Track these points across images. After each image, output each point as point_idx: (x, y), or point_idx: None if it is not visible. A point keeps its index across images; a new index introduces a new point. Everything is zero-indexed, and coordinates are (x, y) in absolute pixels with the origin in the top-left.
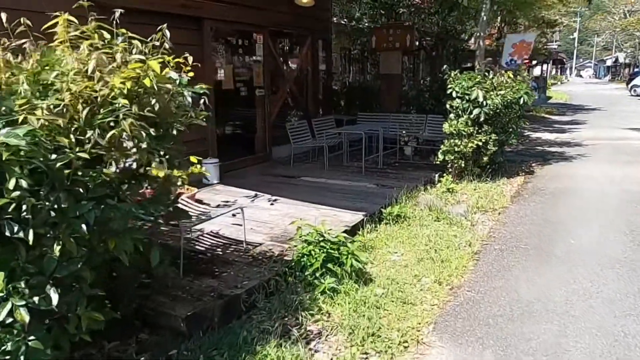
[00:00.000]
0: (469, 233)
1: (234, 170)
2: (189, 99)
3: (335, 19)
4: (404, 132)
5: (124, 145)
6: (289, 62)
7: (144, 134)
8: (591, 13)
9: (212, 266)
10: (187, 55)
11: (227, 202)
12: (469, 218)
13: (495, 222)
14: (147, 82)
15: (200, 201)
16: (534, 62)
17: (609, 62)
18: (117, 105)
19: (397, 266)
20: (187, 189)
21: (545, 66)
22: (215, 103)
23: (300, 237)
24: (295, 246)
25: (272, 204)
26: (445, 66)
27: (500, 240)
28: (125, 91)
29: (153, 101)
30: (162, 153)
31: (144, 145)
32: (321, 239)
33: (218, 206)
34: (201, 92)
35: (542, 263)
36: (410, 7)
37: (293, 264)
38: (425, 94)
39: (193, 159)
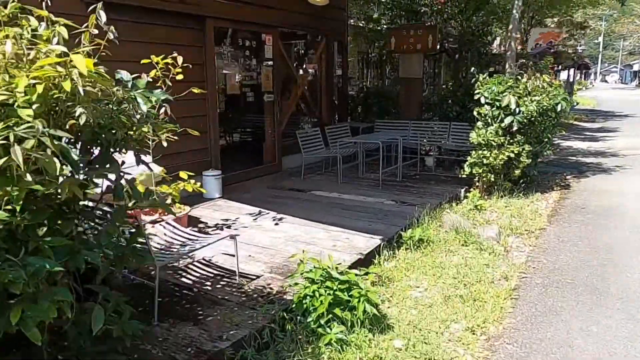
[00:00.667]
0: (503, 262)
1: (239, 183)
2: (144, 108)
3: (352, 20)
4: (425, 141)
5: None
6: (302, 66)
7: (56, 162)
8: (617, 16)
9: (197, 307)
10: (176, 54)
11: (227, 220)
12: (501, 242)
13: (533, 247)
14: (66, 85)
15: (198, 220)
16: (560, 66)
17: (636, 67)
18: (14, 119)
19: (419, 305)
20: (179, 207)
21: (571, 71)
22: (219, 109)
23: (302, 273)
24: (297, 284)
25: (276, 224)
26: (473, 69)
27: (541, 272)
28: (35, 97)
29: (78, 111)
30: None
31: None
32: (327, 276)
33: (216, 226)
34: (162, 97)
35: (595, 305)
36: (432, 6)
37: (293, 306)
38: (449, 100)
39: (183, 174)
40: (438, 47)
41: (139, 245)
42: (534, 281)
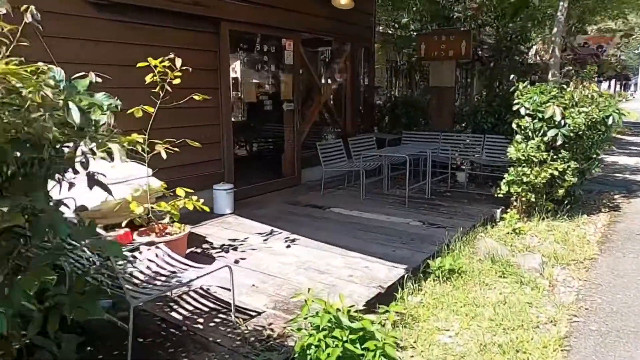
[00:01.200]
0: (549, 300)
1: (254, 197)
2: (76, 116)
3: (381, 27)
4: (456, 154)
5: None
6: (325, 73)
7: None
8: None
9: (182, 352)
10: (173, 56)
11: (235, 241)
12: (545, 275)
13: (583, 282)
14: None
15: (203, 239)
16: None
17: None
18: None
19: (449, 356)
20: (178, 227)
21: (612, 82)
22: (236, 118)
23: (306, 316)
24: (300, 329)
25: (288, 246)
26: (512, 76)
27: (596, 315)
28: None
29: None
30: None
31: None
32: (336, 323)
33: (221, 247)
34: (107, 103)
35: None
36: (466, 10)
37: (295, 356)
38: (483, 111)
39: (179, 191)
40: (472, 54)
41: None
42: (588, 327)
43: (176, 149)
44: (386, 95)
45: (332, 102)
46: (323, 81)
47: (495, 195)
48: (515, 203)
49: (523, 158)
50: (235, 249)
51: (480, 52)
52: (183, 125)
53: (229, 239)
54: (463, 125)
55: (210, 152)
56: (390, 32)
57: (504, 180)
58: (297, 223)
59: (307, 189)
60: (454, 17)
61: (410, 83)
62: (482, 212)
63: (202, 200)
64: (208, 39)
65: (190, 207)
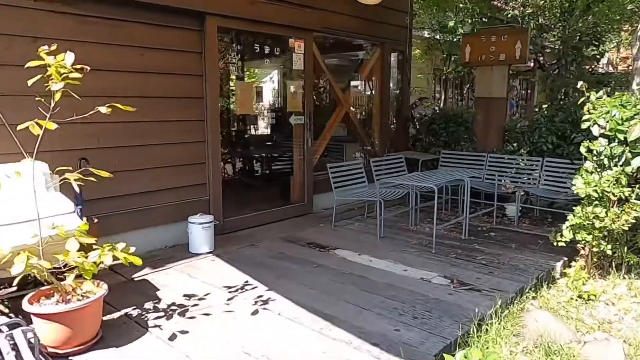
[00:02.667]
0: None
1: (249, 229)
2: None
3: (426, 32)
4: (506, 181)
5: None
6: (346, 81)
7: None
8: None
9: None
10: (68, 52)
11: (190, 298)
12: None
13: None
14: None
15: (145, 293)
16: None
17: None
18: None
19: None
20: (98, 284)
21: None
22: (223, 134)
23: None
24: None
25: (255, 312)
26: (581, 83)
27: None
28: None
29: None
30: None
31: None
32: None
33: (169, 308)
34: None
35: None
36: (525, 6)
37: None
38: (542, 128)
39: (81, 235)
40: (528, 58)
41: None
42: None
43: (109, 174)
44: (431, 108)
45: (355, 115)
46: (344, 90)
47: (556, 244)
48: (583, 252)
49: (595, 194)
50: (184, 312)
51: (541, 58)
52: (150, 142)
53: (185, 295)
54: (516, 145)
55: (192, 175)
56: (437, 37)
57: (567, 223)
58: (283, 272)
59: (318, 219)
60: (509, 15)
61: (461, 94)
62: (536, 264)
63: (132, 249)
64: (190, 37)
65: (120, 257)
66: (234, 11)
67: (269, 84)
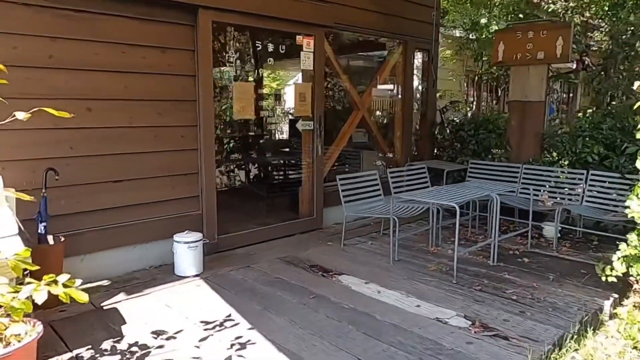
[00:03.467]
0: None
1: (247, 247)
2: None
3: (457, 31)
4: (544, 196)
5: None
6: (363, 82)
7: None
8: None
9: None
10: None
11: (158, 337)
12: None
13: None
14: None
15: (119, 327)
16: None
17: None
18: None
19: None
20: (33, 324)
21: None
22: (220, 140)
23: None
24: None
25: (228, 358)
26: (637, 83)
27: None
28: None
29: None
30: None
31: None
32: None
33: (127, 350)
34: None
35: None
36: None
37: None
38: (586, 136)
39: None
40: (571, 58)
41: None
42: None
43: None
44: (462, 114)
45: (373, 120)
46: (360, 93)
47: (604, 278)
48: (637, 287)
49: None
50: (143, 357)
51: (586, 58)
52: (133, 150)
53: (153, 332)
54: (555, 155)
55: (182, 186)
56: (471, 37)
57: (619, 253)
58: (274, 304)
59: (327, 236)
60: (549, 10)
61: (497, 97)
62: (579, 302)
63: (77, 283)
64: (180, 33)
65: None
66: (232, 4)
67: (274, 85)
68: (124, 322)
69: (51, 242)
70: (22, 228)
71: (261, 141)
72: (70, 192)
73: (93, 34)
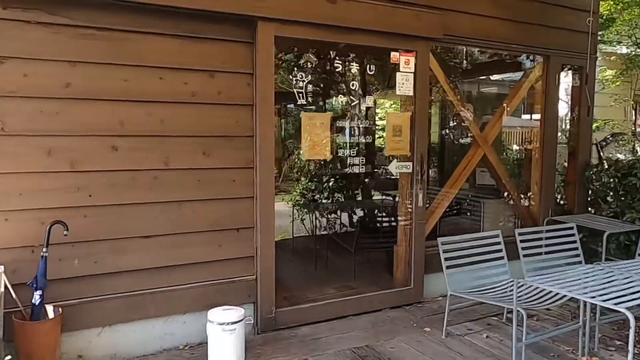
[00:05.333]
0: None
1: (318, 324)
2: None
3: (625, 47)
4: None
5: None
6: (486, 110)
7: None
8: None
9: None
10: None
11: None
12: None
13: None
14: None
15: None
16: None
17: None
18: None
19: None
20: None
21: None
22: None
23: None
24: None
25: None
26: None
27: None
28: None
29: None
30: None
31: None
32: None
33: None
34: None
35: None
36: None
37: None
38: None
39: None
40: None
41: None
42: None
43: None
44: (628, 149)
45: (499, 161)
46: (483, 125)
47: None
48: None
49: None
50: None
51: None
52: (169, 199)
53: None
54: None
55: (231, 244)
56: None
57: None
58: None
59: (426, 316)
60: None
61: None
62: None
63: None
64: (234, 53)
65: None
66: (299, 14)
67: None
68: None
69: (50, 314)
70: (14, 296)
71: (337, 185)
72: (86, 250)
73: (122, 56)
